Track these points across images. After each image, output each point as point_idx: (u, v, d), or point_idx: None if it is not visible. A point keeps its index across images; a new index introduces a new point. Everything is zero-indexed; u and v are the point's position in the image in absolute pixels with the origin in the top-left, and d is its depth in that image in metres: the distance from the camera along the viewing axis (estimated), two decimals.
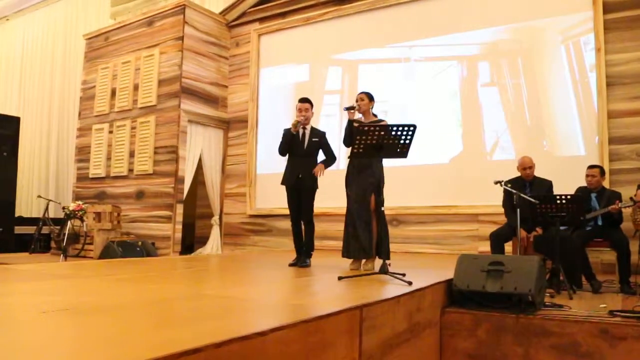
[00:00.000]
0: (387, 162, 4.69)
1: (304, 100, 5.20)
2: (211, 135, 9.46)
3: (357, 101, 4.94)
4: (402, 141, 4.03)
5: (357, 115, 4.94)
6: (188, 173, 8.91)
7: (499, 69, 7.26)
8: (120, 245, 7.68)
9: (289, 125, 5.14)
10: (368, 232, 4.66)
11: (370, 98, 4.99)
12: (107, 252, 7.61)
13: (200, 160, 9.24)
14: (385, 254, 4.33)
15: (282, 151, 5.16)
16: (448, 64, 7.69)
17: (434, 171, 7.56)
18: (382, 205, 4.29)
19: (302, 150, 5.12)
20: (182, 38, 8.91)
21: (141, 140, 9.05)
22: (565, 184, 5.41)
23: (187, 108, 8.89)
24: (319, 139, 5.15)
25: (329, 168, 5.17)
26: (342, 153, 7.31)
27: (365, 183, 4.73)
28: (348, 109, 4.82)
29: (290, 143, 5.10)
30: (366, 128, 4.01)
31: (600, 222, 5.02)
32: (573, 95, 6.69)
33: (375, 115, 5.03)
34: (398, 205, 7.50)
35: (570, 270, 4.60)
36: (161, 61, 9.10)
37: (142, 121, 9.08)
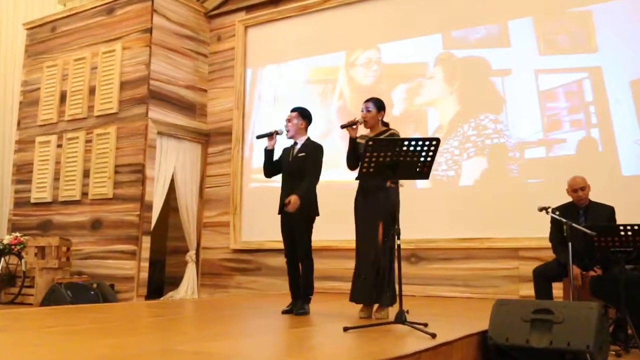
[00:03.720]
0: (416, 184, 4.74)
1: (292, 109, 5.36)
2: (186, 150, 9.44)
3: (362, 111, 4.96)
4: (422, 158, 4.03)
5: (364, 131, 4.98)
6: (157, 197, 8.89)
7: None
8: (69, 289, 7.61)
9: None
10: (375, 272, 4.65)
11: (380, 107, 5.00)
12: (53, 298, 7.54)
13: (172, 181, 9.21)
14: (388, 298, 4.33)
15: (264, 170, 5.36)
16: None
17: (462, 194, 7.54)
18: (398, 238, 4.20)
19: (287, 169, 5.25)
20: (150, 30, 8.96)
21: (99, 157, 9.05)
22: (632, 211, 5.40)
23: (157, 117, 8.90)
24: (306, 154, 5.19)
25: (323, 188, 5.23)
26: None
27: (371, 211, 4.76)
28: (346, 126, 4.86)
29: (268, 160, 5.28)
30: (377, 143, 4.02)
31: None
32: None
33: (385, 125, 5.05)
34: (417, 238, 7.46)
35: None
36: (124, 58, 9.12)
37: (99, 133, 9.10)
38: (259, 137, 5.39)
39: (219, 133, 9.62)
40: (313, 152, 5.22)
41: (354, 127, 4.85)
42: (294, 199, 4.99)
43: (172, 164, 9.19)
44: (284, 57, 9.29)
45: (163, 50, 9.12)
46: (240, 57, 9.58)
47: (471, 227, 7.38)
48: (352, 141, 4.87)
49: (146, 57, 8.93)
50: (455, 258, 7.45)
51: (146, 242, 8.59)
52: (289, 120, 5.28)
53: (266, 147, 5.28)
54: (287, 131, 5.27)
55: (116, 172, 8.87)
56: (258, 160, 9.00)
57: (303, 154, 5.20)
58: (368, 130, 5.01)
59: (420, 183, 7.48)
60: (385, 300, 4.58)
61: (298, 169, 5.18)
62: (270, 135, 5.27)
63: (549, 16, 7.42)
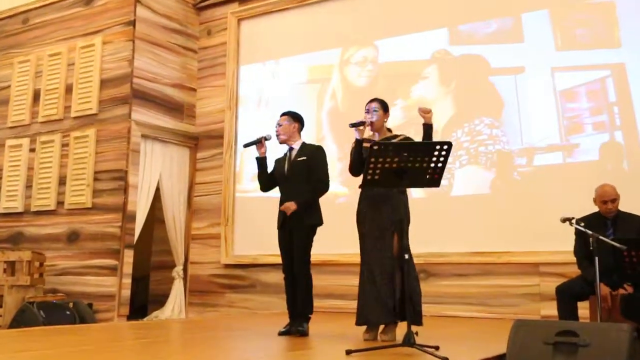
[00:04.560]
0: (411, 193, 4.77)
1: (283, 112, 5.45)
2: (173, 155, 9.44)
3: (367, 112, 5.00)
4: (432, 164, 4.04)
5: (369, 133, 5.02)
6: (141, 207, 8.88)
7: None
8: (42, 308, 7.57)
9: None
10: (392, 288, 4.68)
11: (385, 108, 5.07)
12: (23, 318, 7.50)
13: (158, 189, 9.21)
14: (415, 317, 4.34)
15: (259, 183, 5.45)
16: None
17: (476, 204, 7.54)
18: (408, 252, 4.29)
19: (284, 175, 5.31)
20: (133, 23, 8.96)
21: (76, 162, 9.02)
22: None
23: (141, 118, 8.90)
24: (307, 157, 5.27)
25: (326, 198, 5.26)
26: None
27: (384, 221, 4.78)
28: (355, 125, 4.87)
29: (262, 169, 5.36)
30: (383, 147, 4.03)
31: None
32: None
33: (389, 131, 5.12)
34: (427, 252, 7.39)
35: None
36: (104, 54, 9.11)
37: (77, 136, 9.08)
38: (246, 145, 5.45)
39: (209, 136, 9.62)
40: (316, 154, 5.30)
41: (361, 127, 4.87)
42: (293, 205, 5.09)
43: (158, 170, 9.18)
44: (280, 52, 9.30)
45: (147, 45, 9.11)
46: (232, 53, 9.59)
47: (487, 239, 7.37)
48: (359, 143, 4.88)
49: (129, 53, 8.91)
50: (469, 274, 7.44)
51: (128, 256, 8.55)
52: (279, 125, 5.34)
53: (257, 156, 5.34)
54: (278, 136, 5.32)
55: (95, 179, 8.83)
56: (252, 167, 8.87)
57: (303, 157, 5.26)
58: (372, 133, 5.03)
59: (428, 192, 7.45)
60: (415, 318, 4.57)
61: (299, 173, 5.24)
62: (259, 142, 5.31)
63: (566, 8, 7.44)
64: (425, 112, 4.74)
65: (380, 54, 8.50)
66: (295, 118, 5.40)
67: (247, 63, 9.58)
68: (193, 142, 9.69)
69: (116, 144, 8.78)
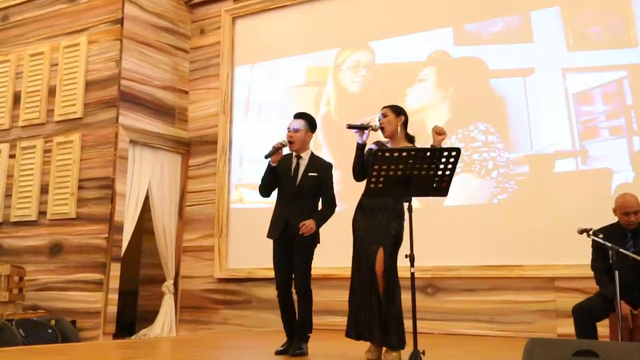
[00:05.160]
0: (416, 201, 4.68)
1: (296, 115, 5.41)
2: (164, 162, 9.44)
3: (378, 119, 4.98)
4: (439, 172, 4.07)
5: (384, 139, 5.01)
6: (129, 218, 8.86)
7: None
8: (22, 326, 7.52)
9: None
10: (371, 306, 4.70)
11: (398, 112, 5.02)
12: (1, 337, 7.43)
13: (147, 198, 9.21)
14: (395, 340, 4.38)
15: (261, 189, 5.36)
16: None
17: (485, 213, 7.54)
18: (412, 265, 4.24)
19: (292, 186, 5.24)
20: (120, 21, 8.95)
21: (59, 170, 8.99)
22: None
23: (129, 123, 8.88)
24: (319, 174, 5.26)
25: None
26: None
27: (375, 233, 4.78)
28: (354, 127, 4.83)
29: (272, 177, 5.27)
30: (387, 153, 4.05)
31: None
32: None
33: (410, 139, 5.04)
34: (434, 265, 7.44)
35: None
36: (90, 54, 9.09)
37: (60, 141, 9.06)
38: (267, 156, 5.21)
39: (202, 142, 9.62)
40: (328, 173, 5.30)
41: (365, 131, 4.81)
42: (312, 223, 5.07)
43: (147, 178, 9.17)
44: (277, 53, 9.31)
45: (136, 44, 9.10)
46: (227, 53, 9.60)
47: (499, 252, 7.36)
48: (360, 148, 4.85)
49: (116, 53, 8.90)
50: (479, 289, 7.43)
51: (115, 270, 8.52)
52: (294, 130, 5.28)
53: (271, 164, 5.24)
54: (291, 142, 5.26)
55: (80, 188, 8.80)
56: (249, 174, 9.06)
57: (315, 174, 5.25)
58: (387, 140, 5.01)
59: (435, 201, 7.40)
60: (396, 341, 4.58)
61: (308, 190, 5.24)
62: (277, 151, 5.19)
63: (578, 6, 7.44)
64: (438, 133, 4.68)
65: (378, 56, 8.53)
66: (312, 126, 5.38)
67: (242, 64, 9.58)
68: (185, 148, 9.67)
69: (102, 150, 8.75)
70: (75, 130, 9.00)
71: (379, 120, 4.95)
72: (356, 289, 4.83)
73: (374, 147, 4.83)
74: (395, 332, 4.56)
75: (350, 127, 4.85)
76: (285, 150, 5.30)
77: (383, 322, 4.63)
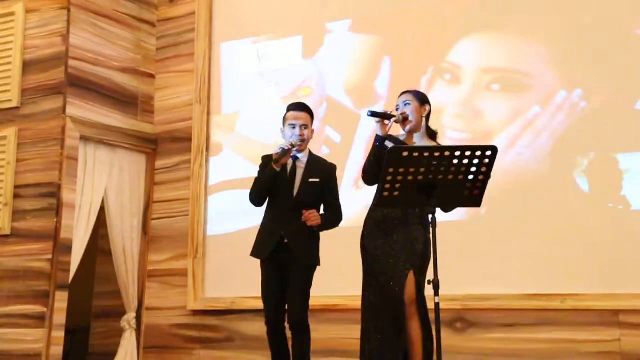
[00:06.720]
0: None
1: (300, 107, 5.50)
2: (124, 164, 9.37)
3: (397, 108, 5.09)
4: (471, 176, 4.14)
5: (401, 133, 5.12)
6: (80, 234, 8.76)
7: None
8: None
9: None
10: (398, 340, 4.80)
11: (423, 101, 5.15)
12: None
13: (102, 210, 9.15)
14: None
15: (256, 196, 5.49)
16: None
17: (531, 228, 7.40)
18: (437, 294, 4.28)
19: (289, 196, 5.39)
20: None
21: None
22: None
23: (79, 114, 8.76)
24: (321, 180, 5.42)
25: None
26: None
27: (400, 252, 4.88)
28: (377, 115, 4.88)
29: (271, 183, 5.36)
30: (405, 153, 4.05)
31: None
32: None
33: (432, 137, 5.19)
34: (464, 294, 7.41)
35: None
36: (28, 26, 8.93)
37: None
38: (372, 114, 5.04)
39: (173, 138, 9.58)
40: (332, 177, 5.52)
41: (387, 121, 4.89)
42: (318, 217, 5.31)
43: (103, 184, 9.07)
44: (269, 27, 9.29)
45: (88, 15, 8.98)
46: (203, 26, 9.53)
47: (546, 278, 7.27)
48: (380, 141, 4.87)
49: (62, 25, 8.75)
50: (522, 324, 7.32)
51: (61, 300, 8.38)
52: (304, 127, 5.39)
53: (275, 169, 5.33)
54: (302, 143, 5.40)
55: (16, 197, 8.66)
56: (231, 179, 9.06)
57: (316, 179, 5.41)
58: (405, 135, 5.11)
59: (464, 212, 7.46)
60: None
61: (309, 200, 5.39)
62: (286, 154, 5.27)
63: None
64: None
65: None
66: (312, 118, 5.53)
67: (223, 40, 9.57)
68: (150, 146, 9.62)
69: (45, 149, 8.62)
70: (10, 123, 8.85)
71: (398, 109, 5.08)
72: (372, 321, 4.93)
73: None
74: None
75: (373, 114, 4.86)
76: (274, 150, 5.41)
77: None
